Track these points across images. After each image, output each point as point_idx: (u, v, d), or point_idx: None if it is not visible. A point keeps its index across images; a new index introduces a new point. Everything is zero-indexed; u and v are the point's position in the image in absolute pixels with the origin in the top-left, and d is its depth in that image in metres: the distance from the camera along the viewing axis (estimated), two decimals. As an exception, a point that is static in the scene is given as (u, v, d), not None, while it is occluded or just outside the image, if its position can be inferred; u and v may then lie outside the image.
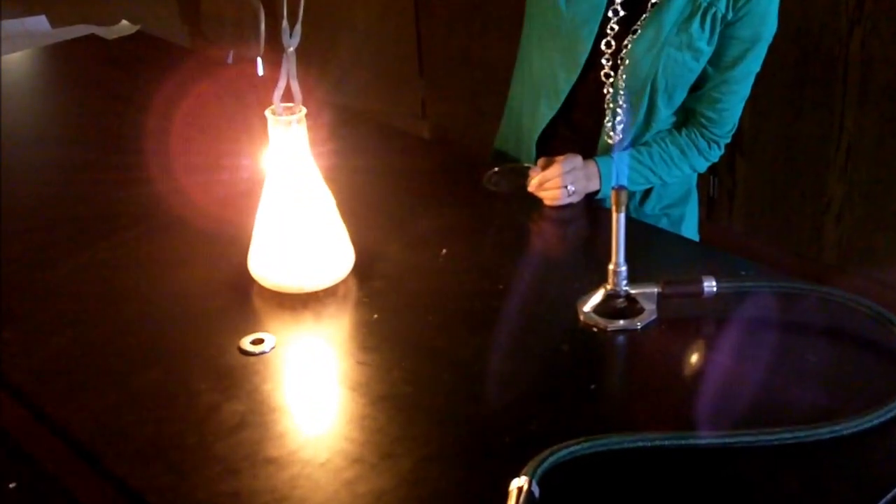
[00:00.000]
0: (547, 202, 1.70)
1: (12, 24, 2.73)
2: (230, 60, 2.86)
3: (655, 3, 1.72)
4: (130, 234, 1.64)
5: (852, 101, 2.73)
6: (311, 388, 1.31)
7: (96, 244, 1.61)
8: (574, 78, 1.78)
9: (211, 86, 2.11)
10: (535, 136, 1.86)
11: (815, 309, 1.38)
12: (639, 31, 1.73)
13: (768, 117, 2.90)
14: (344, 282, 1.48)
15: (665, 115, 1.81)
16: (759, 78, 1.80)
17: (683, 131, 1.83)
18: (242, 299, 1.45)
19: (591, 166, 1.74)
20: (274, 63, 1.37)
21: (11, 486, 1.15)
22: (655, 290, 1.39)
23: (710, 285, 1.37)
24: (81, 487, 1.16)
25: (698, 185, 2.00)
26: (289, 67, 1.35)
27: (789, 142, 2.91)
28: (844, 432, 1.16)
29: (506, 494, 1.06)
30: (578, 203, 1.71)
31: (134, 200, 1.73)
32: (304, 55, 1.37)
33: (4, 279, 1.51)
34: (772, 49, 1.76)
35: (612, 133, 1.80)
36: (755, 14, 1.70)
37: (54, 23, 2.83)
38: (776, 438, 1.15)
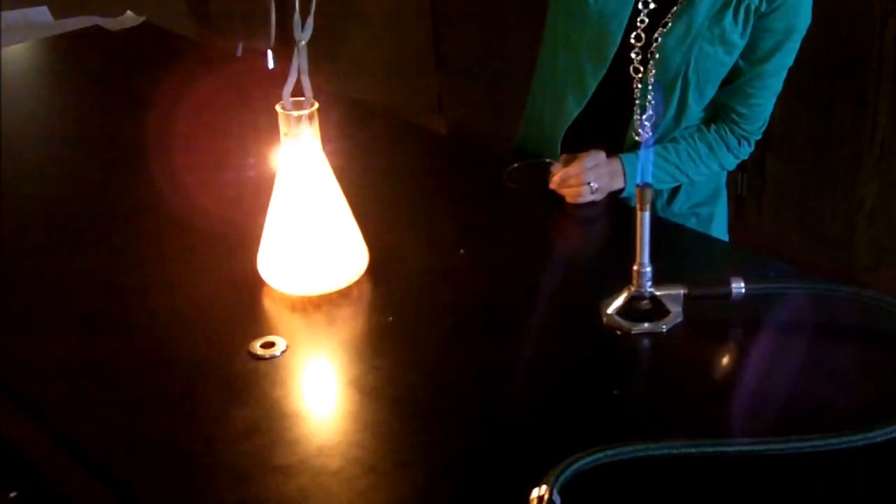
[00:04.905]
0: (569, 200, 1.67)
1: (13, 15, 2.73)
2: (239, 53, 2.86)
3: (686, -6, 1.69)
4: (134, 235, 1.62)
5: (886, 96, 2.69)
6: (323, 394, 1.29)
7: (99, 245, 1.59)
8: (602, 72, 1.76)
9: (219, 80, 2.10)
10: (561, 132, 1.83)
11: (848, 310, 1.36)
12: (669, 24, 1.70)
13: (798, 113, 2.87)
14: (357, 283, 1.46)
15: (695, 110, 1.78)
16: (789, 72, 1.78)
17: (713, 127, 1.80)
18: (252, 301, 1.43)
19: (615, 163, 1.71)
20: (284, 56, 1.35)
21: (12, 495, 1.15)
22: (681, 291, 1.37)
23: (738, 287, 1.34)
24: (85, 496, 1.15)
25: (726, 184, 1.97)
26: (300, 61, 1.32)
27: (820, 138, 2.88)
28: (879, 439, 1.13)
29: (526, 504, 1.04)
30: (602, 201, 1.69)
31: (138, 199, 1.71)
32: (316, 47, 1.34)
33: (5, 281, 1.49)
34: (802, 41, 1.74)
35: (640, 129, 1.77)
36: (790, 5, 1.67)
37: (56, 14, 2.82)
38: (808, 446, 1.12)
